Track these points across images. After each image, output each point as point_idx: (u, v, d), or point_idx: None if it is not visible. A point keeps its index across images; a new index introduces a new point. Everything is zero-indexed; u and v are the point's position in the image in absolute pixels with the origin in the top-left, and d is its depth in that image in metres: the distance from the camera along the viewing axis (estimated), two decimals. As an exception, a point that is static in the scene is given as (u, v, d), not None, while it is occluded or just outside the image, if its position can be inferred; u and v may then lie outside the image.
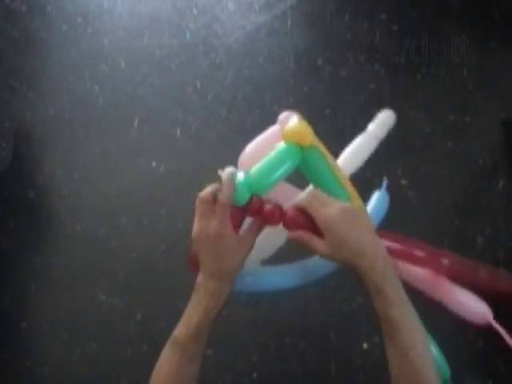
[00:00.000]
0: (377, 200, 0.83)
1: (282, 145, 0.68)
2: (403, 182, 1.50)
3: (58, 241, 1.59)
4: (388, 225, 1.48)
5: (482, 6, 1.66)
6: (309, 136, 0.67)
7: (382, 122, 0.78)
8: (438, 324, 1.43)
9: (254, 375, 1.40)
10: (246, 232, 0.66)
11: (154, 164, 1.61)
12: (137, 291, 1.50)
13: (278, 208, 0.66)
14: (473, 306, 0.74)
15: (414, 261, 0.73)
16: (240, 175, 0.67)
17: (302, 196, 0.63)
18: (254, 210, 0.66)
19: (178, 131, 1.64)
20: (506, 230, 1.46)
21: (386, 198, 0.84)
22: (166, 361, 0.65)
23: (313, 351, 1.41)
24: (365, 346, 1.32)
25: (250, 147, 0.77)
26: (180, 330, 0.65)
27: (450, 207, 1.47)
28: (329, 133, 1.44)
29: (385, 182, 0.84)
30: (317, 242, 0.61)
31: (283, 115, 0.77)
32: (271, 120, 1.69)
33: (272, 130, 0.76)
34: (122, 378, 1.44)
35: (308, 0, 1.75)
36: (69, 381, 1.46)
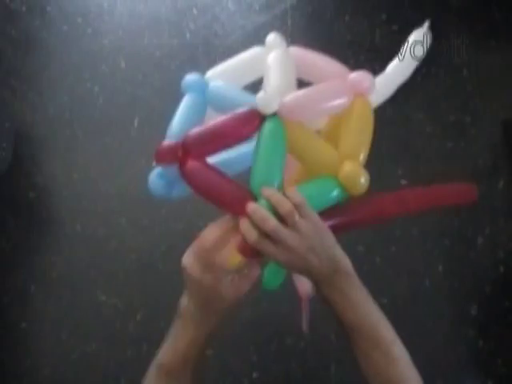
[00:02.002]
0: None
1: None
2: (403, 182, 1.50)
3: (57, 241, 1.59)
4: (387, 224, 1.48)
5: (482, 6, 1.66)
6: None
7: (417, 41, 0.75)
8: (438, 324, 1.43)
9: (254, 375, 1.40)
10: (243, 281, 0.60)
11: (154, 164, 1.61)
12: (137, 291, 1.50)
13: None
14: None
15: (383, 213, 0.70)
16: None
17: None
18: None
19: (178, 131, 1.63)
20: (506, 230, 1.46)
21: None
22: None
23: (313, 351, 1.41)
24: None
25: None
26: (166, 356, 0.62)
27: (449, 207, 1.47)
28: (329, 133, 1.43)
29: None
30: (275, 255, 0.56)
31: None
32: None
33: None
34: (122, 377, 1.44)
35: (308, 0, 1.75)
36: (69, 381, 1.46)
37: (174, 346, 0.62)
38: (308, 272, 0.58)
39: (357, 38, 1.67)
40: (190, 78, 0.76)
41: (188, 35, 1.76)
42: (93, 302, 1.50)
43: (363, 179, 0.62)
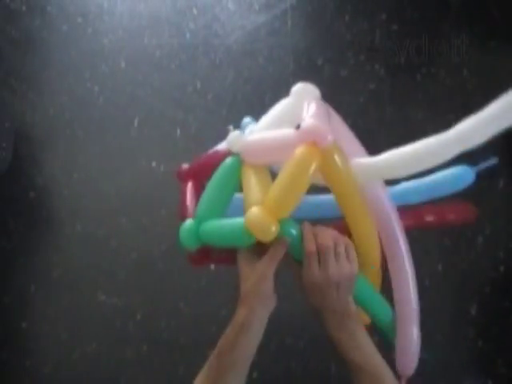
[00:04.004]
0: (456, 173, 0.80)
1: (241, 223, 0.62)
2: (403, 182, 1.50)
3: (58, 241, 1.59)
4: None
5: (482, 5, 1.66)
6: (271, 234, 0.60)
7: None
8: (438, 324, 1.43)
9: (254, 375, 1.40)
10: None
11: (153, 164, 1.61)
12: (137, 291, 1.50)
13: None
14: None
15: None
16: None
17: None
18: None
19: (178, 131, 1.64)
20: (506, 230, 1.46)
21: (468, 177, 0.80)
22: (203, 371, 0.67)
23: (313, 351, 1.41)
24: (365, 345, 1.32)
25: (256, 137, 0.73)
26: (220, 341, 0.68)
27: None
28: (329, 133, 1.43)
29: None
30: (314, 269, 0.64)
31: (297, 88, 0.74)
32: (271, 120, 1.66)
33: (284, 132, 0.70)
34: (122, 377, 1.44)
35: (308, 0, 1.75)
36: (69, 381, 1.46)
37: (226, 332, 0.67)
38: (323, 305, 0.66)
39: (357, 38, 1.67)
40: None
41: (188, 35, 1.76)
42: (93, 302, 1.50)
43: (266, 226, 0.60)
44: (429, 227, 0.77)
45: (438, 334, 1.39)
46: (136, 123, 1.66)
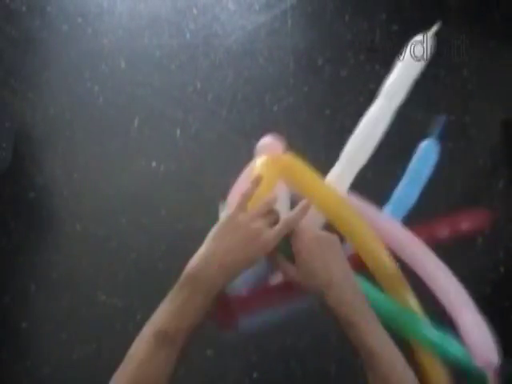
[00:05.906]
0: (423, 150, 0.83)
1: None
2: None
3: (58, 241, 1.59)
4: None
5: (482, 5, 1.66)
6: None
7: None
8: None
9: (254, 375, 1.40)
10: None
11: (153, 164, 1.61)
12: (137, 291, 1.50)
13: None
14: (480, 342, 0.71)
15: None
16: None
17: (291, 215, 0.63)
18: None
19: (178, 131, 1.64)
20: (506, 230, 1.46)
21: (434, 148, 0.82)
22: (151, 357, 0.58)
23: (313, 351, 1.41)
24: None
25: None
26: (170, 324, 0.59)
27: (450, 207, 1.47)
28: (329, 133, 1.44)
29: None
30: (289, 268, 0.61)
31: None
32: (271, 120, 1.69)
33: None
34: (122, 378, 1.44)
35: (308, 0, 1.75)
36: (69, 381, 1.46)
37: (180, 313, 0.60)
38: (333, 277, 0.59)
39: (357, 37, 1.67)
40: None
41: (188, 35, 1.76)
42: (93, 302, 1.50)
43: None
44: (444, 242, 0.75)
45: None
46: (136, 123, 1.66)
